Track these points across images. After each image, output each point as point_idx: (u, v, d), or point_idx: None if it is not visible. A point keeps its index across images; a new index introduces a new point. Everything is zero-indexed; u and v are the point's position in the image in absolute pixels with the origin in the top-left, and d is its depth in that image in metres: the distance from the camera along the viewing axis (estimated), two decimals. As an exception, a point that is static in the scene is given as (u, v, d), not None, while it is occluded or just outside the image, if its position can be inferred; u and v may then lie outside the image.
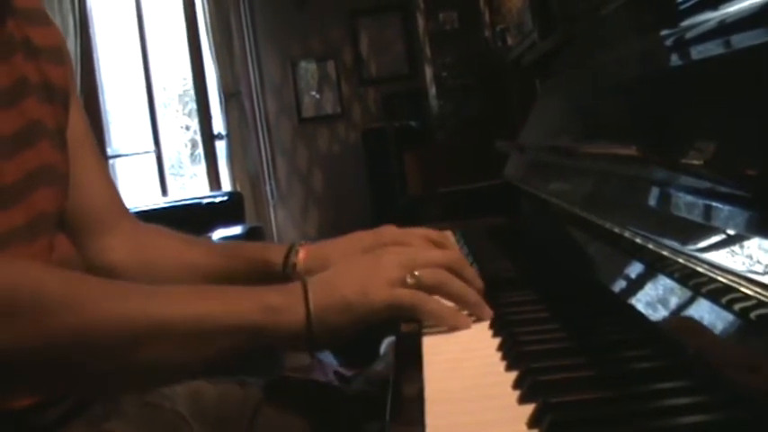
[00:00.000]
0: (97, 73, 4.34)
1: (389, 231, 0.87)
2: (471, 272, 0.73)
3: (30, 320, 0.57)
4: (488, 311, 0.70)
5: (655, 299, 0.57)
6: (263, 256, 0.88)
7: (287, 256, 0.87)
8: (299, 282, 0.68)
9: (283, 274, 0.86)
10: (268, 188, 4.76)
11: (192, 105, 4.84)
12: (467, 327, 0.68)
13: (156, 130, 4.60)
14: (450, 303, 0.70)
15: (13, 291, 0.57)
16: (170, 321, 0.62)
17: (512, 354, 0.58)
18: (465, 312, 0.70)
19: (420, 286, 0.68)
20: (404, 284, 0.68)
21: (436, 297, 0.69)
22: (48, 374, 0.60)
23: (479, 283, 0.73)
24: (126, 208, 0.94)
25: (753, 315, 0.43)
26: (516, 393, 0.50)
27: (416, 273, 0.68)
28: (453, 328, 0.68)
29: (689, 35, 0.67)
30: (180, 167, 5.25)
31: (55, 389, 0.65)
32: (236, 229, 3.38)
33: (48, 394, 0.70)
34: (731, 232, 0.48)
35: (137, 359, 0.60)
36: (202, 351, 0.63)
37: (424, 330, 0.69)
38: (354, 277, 0.68)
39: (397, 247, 0.77)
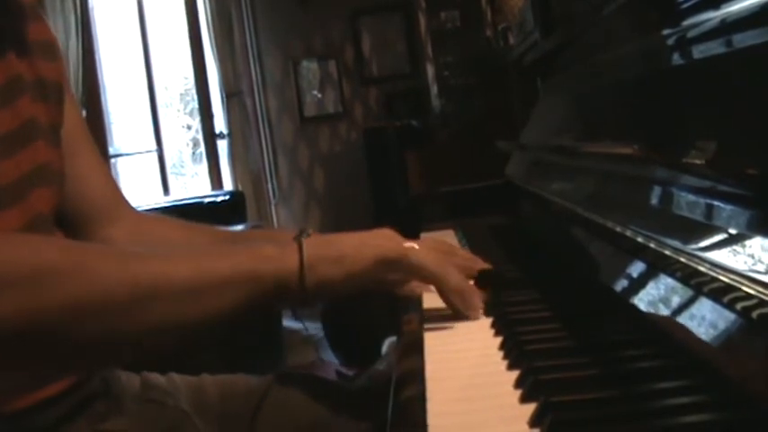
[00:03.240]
0: (99, 72, 4.34)
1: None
2: (464, 254, 0.77)
3: (28, 291, 0.54)
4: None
5: (656, 298, 0.57)
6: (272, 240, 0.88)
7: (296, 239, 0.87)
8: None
9: None
10: (269, 187, 4.75)
11: (194, 104, 4.84)
12: (447, 284, 0.72)
13: (158, 129, 4.60)
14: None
15: (11, 262, 0.55)
16: (168, 278, 0.61)
17: (513, 353, 0.58)
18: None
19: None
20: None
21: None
22: (49, 346, 0.57)
23: (473, 263, 0.77)
24: (125, 199, 0.94)
25: (754, 314, 0.43)
26: (518, 393, 0.50)
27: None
28: (435, 280, 0.72)
29: (690, 34, 0.67)
30: (181, 167, 5.24)
31: (58, 361, 0.61)
32: (238, 229, 3.38)
33: (49, 368, 0.66)
34: (733, 231, 0.48)
35: (137, 320, 0.59)
36: (202, 305, 0.62)
37: (426, 328, 0.69)
38: (353, 236, 0.72)
39: None
